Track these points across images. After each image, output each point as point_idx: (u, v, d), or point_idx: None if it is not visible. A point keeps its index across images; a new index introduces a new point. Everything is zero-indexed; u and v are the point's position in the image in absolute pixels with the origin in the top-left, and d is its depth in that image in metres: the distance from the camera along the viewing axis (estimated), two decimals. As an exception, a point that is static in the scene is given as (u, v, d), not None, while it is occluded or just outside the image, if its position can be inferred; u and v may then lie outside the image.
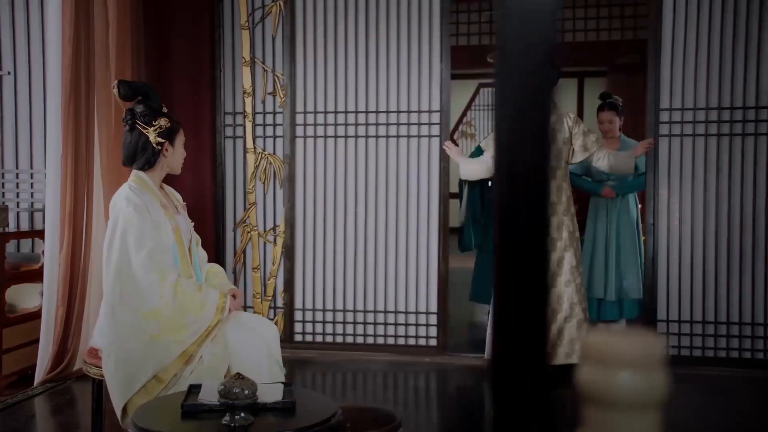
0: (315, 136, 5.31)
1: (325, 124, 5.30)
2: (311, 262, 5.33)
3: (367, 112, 5.27)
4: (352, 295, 5.30)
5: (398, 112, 5.24)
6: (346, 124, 5.28)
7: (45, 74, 4.99)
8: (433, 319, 5.23)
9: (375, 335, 5.28)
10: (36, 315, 4.57)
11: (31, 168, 5.13)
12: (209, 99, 5.27)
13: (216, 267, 3.46)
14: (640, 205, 5.74)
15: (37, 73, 5.08)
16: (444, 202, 5.21)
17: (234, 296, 3.17)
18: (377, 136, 5.26)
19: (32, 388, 4.25)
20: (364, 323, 5.29)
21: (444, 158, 5.17)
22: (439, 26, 5.18)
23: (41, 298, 4.63)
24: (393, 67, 5.23)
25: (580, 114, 14.27)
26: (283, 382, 2.66)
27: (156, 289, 2.94)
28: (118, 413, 2.87)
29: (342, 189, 5.29)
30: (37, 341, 4.46)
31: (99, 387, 3.13)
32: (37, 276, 4.63)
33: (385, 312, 5.27)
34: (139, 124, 3.13)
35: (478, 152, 6.68)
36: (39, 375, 4.30)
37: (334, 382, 4.79)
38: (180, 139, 3.26)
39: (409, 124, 5.23)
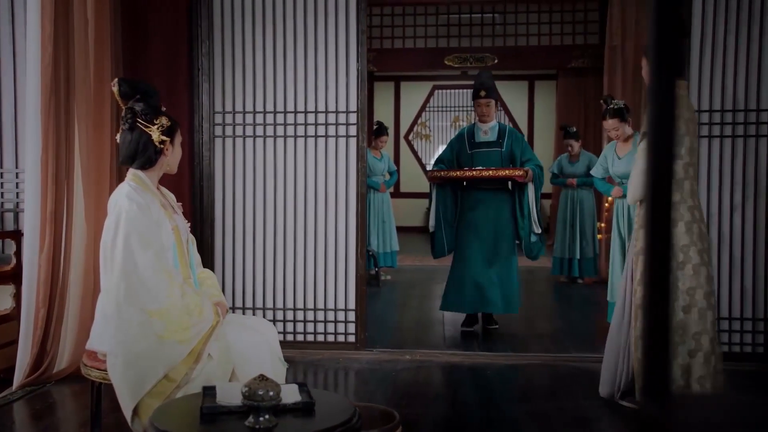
0: (234, 136, 5.31)
1: (244, 124, 5.30)
2: (230, 260, 5.32)
3: (285, 112, 5.27)
4: (271, 293, 5.31)
5: (316, 112, 5.25)
6: (264, 124, 5.28)
7: (16, 72, 4.85)
8: (352, 316, 5.28)
9: (294, 332, 5.30)
10: (5, 318, 4.46)
11: (1, 168, 4.98)
12: (187, 98, 5.22)
13: (206, 272, 3.43)
14: None
15: (7, 70, 4.92)
16: (361, 201, 5.26)
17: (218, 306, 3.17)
18: (296, 136, 5.27)
19: (12, 392, 4.14)
20: (284, 321, 5.30)
21: (361, 158, 5.22)
22: (356, 27, 5.21)
23: (11, 300, 4.52)
24: (311, 68, 5.24)
25: (530, 116, 14.41)
26: (297, 383, 2.65)
27: (164, 288, 2.91)
28: (128, 415, 2.83)
29: (261, 188, 5.29)
30: (7, 345, 4.35)
31: (98, 390, 3.07)
32: (6, 278, 4.52)
33: (305, 309, 5.30)
34: (140, 123, 3.08)
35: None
36: (18, 379, 4.18)
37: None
38: (179, 138, 3.24)
39: (326, 124, 5.25)
